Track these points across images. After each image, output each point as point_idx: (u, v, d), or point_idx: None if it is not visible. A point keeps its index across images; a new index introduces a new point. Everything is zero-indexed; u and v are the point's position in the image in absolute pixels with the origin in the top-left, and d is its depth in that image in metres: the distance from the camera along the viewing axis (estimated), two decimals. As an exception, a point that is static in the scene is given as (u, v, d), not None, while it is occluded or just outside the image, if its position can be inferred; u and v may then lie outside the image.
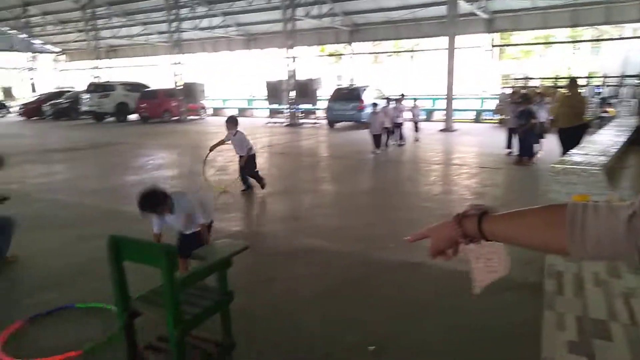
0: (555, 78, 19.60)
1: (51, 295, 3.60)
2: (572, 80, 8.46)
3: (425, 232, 1.04)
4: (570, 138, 7.70)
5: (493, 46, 20.56)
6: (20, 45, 28.39)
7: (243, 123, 7.19)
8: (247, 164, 6.83)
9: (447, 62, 15.13)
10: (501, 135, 11.05)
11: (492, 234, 0.92)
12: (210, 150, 7.03)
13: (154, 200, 3.22)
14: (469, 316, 3.05)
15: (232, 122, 6.91)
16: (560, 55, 30.94)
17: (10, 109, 27.00)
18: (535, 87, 16.67)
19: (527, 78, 19.53)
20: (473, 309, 3.17)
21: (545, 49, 31.77)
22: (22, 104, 25.81)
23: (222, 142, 7.03)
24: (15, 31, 28.60)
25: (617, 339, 1.21)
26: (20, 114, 24.83)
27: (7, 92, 30.01)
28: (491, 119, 17.90)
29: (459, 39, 16.16)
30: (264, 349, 2.83)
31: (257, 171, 6.99)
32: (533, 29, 20.50)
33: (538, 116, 9.19)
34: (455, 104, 16.27)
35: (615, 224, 0.76)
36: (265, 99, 19.75)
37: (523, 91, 13.13)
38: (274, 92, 18.82)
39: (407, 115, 12.47)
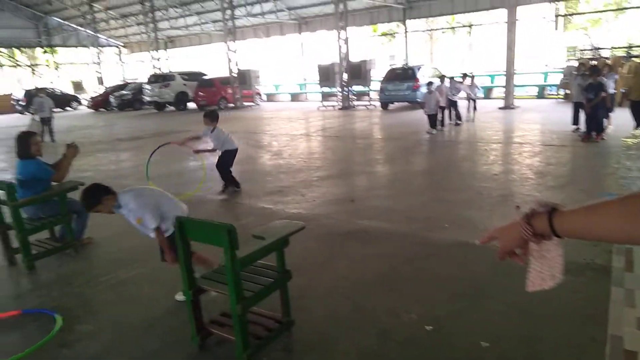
0: (629, 47, 18.12)
1: (124, 272, 3.87)
2: None
3: (493, 234, 1.06)
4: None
5: (557, 16, 19.27)
6: (87, 40, 30.10)
7: (296, 107, 7.23)
8: (222, 161, 6.22)
9: (506, 35, 14.41)
10: (567, 111, 10.44)
11: (565, 230, 0.90)
12: (180, 144, 6.19)
13: (88, 197, 3.11)
14: (529, 297, 2.95)
15: (210, 117, 6.17)
16: (634, 22, 28.52)
17: (81, 102, 28.81)
18: (606, 58, 15.54)
19: (596, 49, 18.23)
20: (533, 293, 3.07)
21: (617, 16, 29.39)
22: (91, 97, 27.46)
23: (195, 138, 6.33)
24: (82, 28, 30.32)
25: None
26: (89, 106, 26.44)
27: (78, 85, 32.00)
28: (556, 94, 16.92)
29: (520, 10, 15.29)
30: (322, 326, 2.90)
31: (230, 170, 6.32)
32: (603, -6, 19.01)
33: (607, 89, 8.58)
34: (516, 80, 15.50)
35: None
36: (318, 83, 19.74)
37: (592, 63, 12.30)
38: (326, 75, 18.76)
39: (464, 93, 12.03)
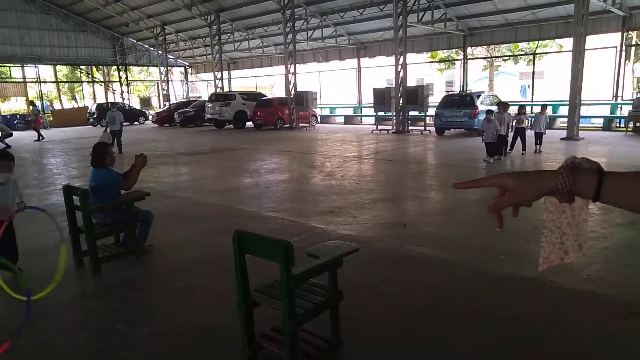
0: None
1: (181, 280, 4.03)
2: None
3: (505, 180, 0.85)
4: None
5: (628, 46, 18.42)
6: (157, 60, 32.06)
7: (350, 130, 7.29)
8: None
9: (571, 64, 13.92)
10: (635, 145, 9.87)
11: (613, 197, 0.78)
12: None
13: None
14: (593, 341, 2.81)
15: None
16: None
17: (148, 117, 30.54)
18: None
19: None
20: (595, 332, 2.91)
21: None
22: (156, 113, 29.06)
23: None
24: (153, 48, 32.38)
25: None
26: (154, 122, 27.97)
27: (146, 101, 34.00)
28: (624, 127, 16.05)
29: (588, 40, 14.76)
30: (370, 350, 2.89)
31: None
32: (681, 24, 18.01)
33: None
34: (582, 111, 14.86)
35: None
36: (372, 106, 19.87)
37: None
38: (381, 99, 18.85)
39: (525, 123, 11.63)
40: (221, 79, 26.96)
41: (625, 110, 16.52)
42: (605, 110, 18.02)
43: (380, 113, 19.59)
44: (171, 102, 30.06)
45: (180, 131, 23.00)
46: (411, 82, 18.69)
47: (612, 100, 18.16)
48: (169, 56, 32.33)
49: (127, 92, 34.76)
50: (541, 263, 0.88)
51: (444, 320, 3.25)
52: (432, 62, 29.74)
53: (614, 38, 17.99)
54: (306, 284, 2.80)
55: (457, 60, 25.16)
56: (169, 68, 32.32)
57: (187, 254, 4.67)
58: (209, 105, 23.49)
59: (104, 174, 4.52)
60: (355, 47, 25.84)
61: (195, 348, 2.98)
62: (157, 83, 35.11)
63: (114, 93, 34.94)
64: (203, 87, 37.07)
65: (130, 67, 35.28)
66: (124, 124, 16.24)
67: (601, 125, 17.12)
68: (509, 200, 0.85)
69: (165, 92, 31.73)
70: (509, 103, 11.98)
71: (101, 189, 4.47)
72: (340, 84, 30.83)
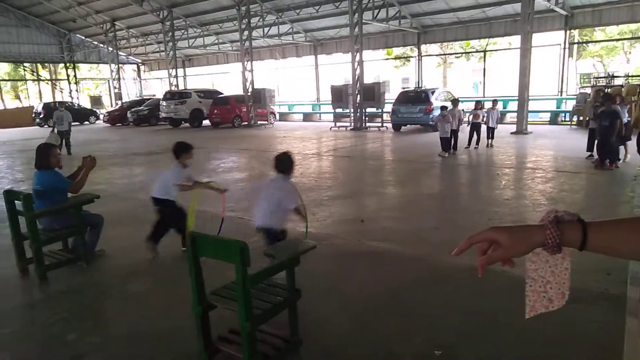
0: (644, 76, 18.07)
1: (135, 285, 3.89)
2: None
3: (496, 235, 0.87)
4: None
5: (571, 43, 19.34)
6: (107, 57, 30.87)
7: (309, 127, 7.29)
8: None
9: (519, 61, 14.48)
10: (579, 138, 10.39)
11: (598, 245, 0.83)
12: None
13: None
14: (543, 327, 2.92)
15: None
16: (649, 50, 28.50)
17: (99, 116, 29.38)
18: (620, 86, 15.51)
19: (610, 77, 18.21)
20: (547, 319, 3.03)
21: (632, 45, 29.40)
22: (108, 112, 28.01)
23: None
24: (103, 45, 31.15)
25: None
26: (106, 121, 26.94)
27: (96, 100, 32.69)
28: (569, 121, 16.88)
29: (534, 37, 15.38)
30: (329, 347, 2.89)
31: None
32: (618, 23, 19.09)
33: (622, 117, 8.54)
34: (530, 106, 15.50)
35: None
36: (331, 104, 19.95)
37: (607, 91, 12.28)
38: (339, 96, 18.96)
39: (480, 118, 11.98)
40: (176, 76, 26.29)
41: (570, 105, 17.36)
42: (552, 105, 18.88)
43: (339, 110, 19.70)
44: (123, 101, 29.05)
45: (134, 130, 22.28)
46: (368, 79, 18.87)
47: (558, 95, 19.05)
48: (120, 53, 31.22)
49: (76, 90, 33.31)
50: (527, 311, 0.92)
51: (402, 314, 3.30)
52: (387, 59, 30.16)
53: (559, 36, 18.85)
54: (264, 283, 2.76)
55: (411, 57, 25.64)
56: (120, 65, 31.19)
57: (142, 258, 4.52)
58: (164, 103, 22.88)
59: (50, 177, 4.29)
60: (312, 44, 25.85)
61: (151, 353, 2.89)
62: (108, 81, 33.81)
63: (61, 92, 33.41)
64: (157, 85, 36.02)
65: (79, 64, 33.81)
66: (73, 124, 15.54)
67: (548, 119, 17.92)
68: (501, 255, 0.88)
69: (117, 90, 30.61)
70: (462, 99, 12.33)
71: (47, 193, 4.24)
72: (298, 81, 30.79)
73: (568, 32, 18.51)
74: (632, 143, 9.15)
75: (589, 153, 9.29)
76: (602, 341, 2.70)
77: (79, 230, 4.32)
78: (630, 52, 30.53)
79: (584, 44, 26.43)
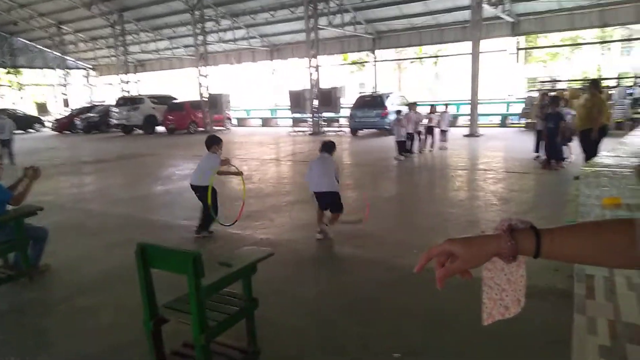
0: (584, 80, 19.11)
1: (83, 300, 3.69)
2: (592, 82, 8.25)
3: (453, 247, 0.87)
4: (587, 141, 7.55)
5: (518, 49, 20.21)
6: (53, 62, 29.51)
7: (266, 132, 7.20)
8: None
9: (471, 66, 14.97)
10: (528, 140, 10.84)
11: (551, 252, 0.84)
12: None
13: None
14: (497, 324, 2.98)
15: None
16: (589, 56, 30.21)
17: (45, 124, 28.02)
18: (563, 89, 16.32)
19: (554, 81, 19.13)
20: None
21: (573, 51, 31.08)
22: (55, 119, 26.75)
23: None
24: (48, 49, 29.76)
25: (652, 345, 1.16)
26: (53, 129, 25.71)
27: (42, 107, 31.14)
28: (517, 123, 17.59)
29: (483, 43, 15.98)
30: (288, 356, 2.83)
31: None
32: (560, 30, 20.10)
33: (566, 119, 8.97)
34: (480, 109, 16.05)
35: None
36: (288, 109, 19.92)
37: (552, 94, 12.87)
38: (297, 101, 18.96)
39: (435, 121, 12.27)
40: (128, 82, 25.48)
41: (518, 108, 18.10)
42: (501, 109, 19.62)
43: (297, 115, 19.68)
44: (72, 108, 27.85)
45: (84, 138, 21.40)
46: (326, 84, 18.96)
47: (507, 99, 19.83)
48: (68, 58, 29.98)
49: (20, 97, 31.63)
50: (485, 319, 0.92)
51: (362, 318, 3.29)
52: (344, 64, 30.47)
53: (506, 42, 19.63)
54: (219, 294, 2.68)
55: (367, 62, 26.00)
56: (68, 70, 29.92)
57: (90, 271, 4.30)
58: (116, 109, 22.12)
59: (-12, 188, 4.01)
60: (269, 49, 25.73)
61: (100, 374, 2.74)
62: (54, 86, 32.32)
63: (2, 98, 31.63)
64: (108, 90, 34.78)
65: (22, 69, 32.13)
66: (16, 132, 14.73)
67: (498, 122, 18.62)
68: (458, 268, 0.88)
69: (64, 96, 29.30)
70: (417, 103, 12.60)
71: (-16, 206, 3.96)
72: (256, 86, 30.55)
73: (515, 38, 19.32)
74: (575, 144, 9.62)
75: (537, 154, 9.70)
76: (551, 336, 2.78)
77: (21, 244, 4.06)
78: (570, 58, 32.28)
79: (529, 50, 27.66)
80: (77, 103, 30.58)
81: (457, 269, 0.88)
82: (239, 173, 5.65)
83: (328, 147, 5.24)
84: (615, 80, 18.20)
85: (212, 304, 2.57)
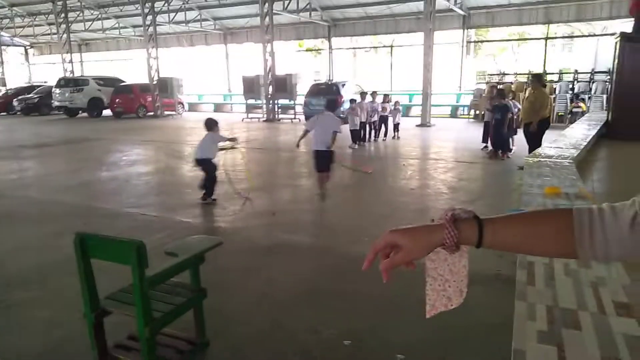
0: (529, 74, 19.94)
1: (18, 294, 3.48)
2: (534, 76, 8.62)
3: (396, 238, 0.86)
4: (530, 133, 7.90)
5: (468, 42, 20.78)
6: (-14, 38, 27.48)
7: (220, 118, 7.03)
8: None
9: (423, 57, 15.24)
10: (476, 130, 11.20)
11: (493, 242, 0.84)
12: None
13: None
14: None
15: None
16: (535, 51, 31.52)
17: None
18: (510, 83, 16.96)
19: (502, 74, 19.84)
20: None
21: (520, 45, 32.32)
22: (-12, 99, 24.95)
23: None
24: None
25: (586, 328, 1.22)
26: (-14, 110, 24.00)
27: (-26, 86, 28.99)
28: (467, 114, 18.15)
29: (436, 35, 16.29)
30: (239, 346, 2.79)
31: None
32: (508, 25, 20.80)
33: (513, 111, 9.34)
34: (432, 100, 16.42)
35: (620, 225, 0.78)
36: (242, 94, 19.56)
37: (500, 87, 13.33)
38: (251, 87, 18.64)
39: (388, 111, 12.42)
40: (71, 61, 24.08)
41: (468, 100, 18.67)
42: (452, 100, 20.17)
43: (251, 101, 19.37)
44: (8, 88, 26.06)
45: (22, 120, 20.12)
46: (281, 71, 18.74)
47: (457, 90, 20.39)
48: (3, 34, 27.95)
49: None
50: (428, 310, 0.91)
51: (312, 305, 3.29)
52: (299, 51, 30.21)
53: (458, 35, 20.12)
54: (166, 284, 2.59)
55: (322, 50, 25.91)
56: (3, 48, 27.93)
57: (27, 263, 4.06)
58: (57, 91, 20.91)
59: None
60: (222, 33, 25.08)
61: (36, 370, 2.59)
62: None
63: None
64: (50, 70, 32.78)
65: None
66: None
67: (449, 113, 19.13)
68: (402, 258, 0.87)
69: (0, 75, 27.39)
70: (377, 92, 12.70)
71: None
72: (209, 71, 29.73)
73: (466, 31, 19.84)
74: (519, 136, 10.04)
75: (484, 144, 10.04)
76: (495, 321, 2.89)
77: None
78: (517, 52, 33.57)
79: (479, 43, 28.51)
80: (15, 83, 28.64)
81: (401, 260, 0.87)
82: (234, 147, 6.89)
83: (333, 105, 6.50)
84: (557, 75, 19.11)
85: (158, 295, 2.49)
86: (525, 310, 1.32)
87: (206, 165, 5.98)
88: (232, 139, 6.39)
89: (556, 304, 1.33)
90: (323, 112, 6.19)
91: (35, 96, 22.73)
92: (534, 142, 7.75)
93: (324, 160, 6.03)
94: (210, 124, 6.19)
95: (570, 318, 1.25)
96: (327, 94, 16.69)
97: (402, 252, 0.86)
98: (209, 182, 6.01)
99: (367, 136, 11.55)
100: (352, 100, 11.19)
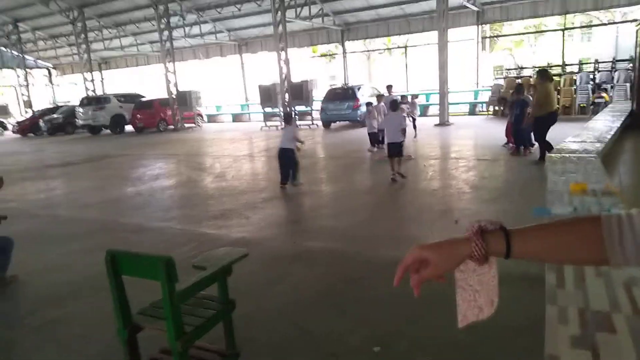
0: (549, 67, 19.59)
1: (53, 311, 3.58)
2: (539, 72, 8.61)
3: (424, 253, 0.87)
4: (537, 127, 7.94)
5: (483, 38, 20.54)
6: (12, 62, 28.36)
7: (238, 128, 7.13)
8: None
9: (438, 56, 15.13)
10: (496, 127, 11.04)
11: (522, 253, 0.85)
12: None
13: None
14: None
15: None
16: (552, 43, 30.98)
17: (7, 127, 26.98)
18: (529, 77, 16.69)
19: (519, 68, 19.55)
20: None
21: (537, 38, 31.79)
22: (17, 121, 25.76)
23: None
24: (5, 49, 28.54)
25: (621, 331, 1.20)
26: (15, 132, 24.78)
27: (3, 109, 29.92)
28: (485, 111, 17.91)
29: (450, 33, 16.16)
30: (268, 355, 2.82)
31: None
32: (523, 18, 20.47)
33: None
34: (450, 98, 16.27)
35: None
36: (259, 104, 19.73)
37: (517, 81, 13.13)
38: (268, 95, 18.80)
39: (405, 112, 12.37)
40: (92, 80, 24.72)
41: (486, 96, 18.43)
42: (470, 97, 19.94)
43: (268, 110, 19.53)
44: (34, 109, 26.87)
45: (48, 140, 20.71)
46: (296, 78, 18.85)
47: (475, 87, 20.16)
48: (28, 57, 28.86)
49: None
50: (460, 320, 0.92)
51: (338, 312, 3.30)
52: (314, 57, 30.35)
53: (472, 31, 19.92)
54: (195, 297, 2.63)
55: (336, 54, 25.98)
56: (28, 70, 28.81)
57: (60, 280, 4.17)
58: (81, 110, 21.47)
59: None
60: (237, 43, 25.39)
61: (74, 386, 2.66)
62: (15, 88, 31.08)
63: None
64: (72, 90, 33.68)
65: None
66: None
67: (467, 110, 18.92)
68: (431, 274, 0.87)
69: (25, 97, 28.25)
70: (390, 86, 12.66)
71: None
72: (225, 81, 30.11)
73: (480, 27, 19.62)
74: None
75: (506, 140, 9.89)
76: (523, 323, 2.85)
77: (-16, 255, 3.90)
78: (535, 45, 33.03)
79: (495, 38, 28.16)
80: (40, 104, 29.52)
81: (430, 275, 0.87)
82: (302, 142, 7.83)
83: (395, 105, 7.76)
84: (577, 65, 18.72)
85: (187, 308, 2.52)
86: (556, 314, 1.30)
87: (288, 153, 7.22)
88: (300, 142, 7.67)
89: (588, 306, 1.30)
90: (393, 113, 7.68)
91: (60, 116, 23.37)
92: (539, 135, 7.86)
93: (400, 147, 7.53)
94: (289, 118, 8.13)
95: (603, 321, 1.22)
96: (343, 99, 16.74)
97: (430, 266, 0.87)
98: (294, 168, 7.30)
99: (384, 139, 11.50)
100: (369, 104, 11.17)
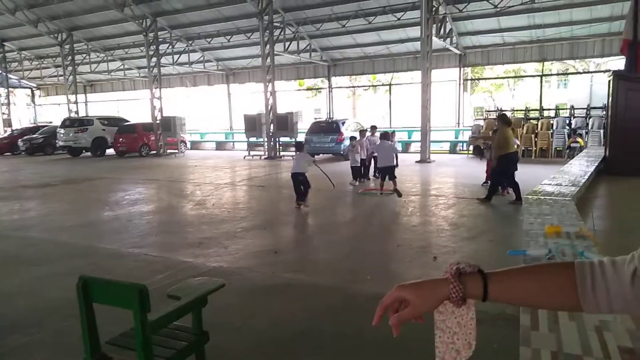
0: (527, 110, 20.26)
1: (16, 339, 3.43)
2: (500, 116, 9.02)
3: (403, 293, 0.88)
4: (499, 167, 8.31)
5: (465, 80, 21.22)
6: (-5, 80, 28.06)
7: (222, 156, 7.13)
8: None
9: (421, 95, 15.52)
10: (476, 166, 11.25)
11: (499, 296, 0.86)
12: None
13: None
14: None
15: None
16: (531, 88, 32.16)
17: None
18: (494, 119, 17.19)
19: (499, 110, 20.16)
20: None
21: (516, 82, 32.99)
22: (-5, 140, 25.25)
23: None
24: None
25: (592, 374, 1.21)
26: (-9, 150, 24.22)
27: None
28: (466, 150, 18.30)
29: (433, 73, 16.66)
30: (240, 391, 2.74)
31: None
32: (503, 63, 21.34)
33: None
34: (431, 136, 16.61)
35: (622, 280, 0.80)
36: (244, 132, 19.82)
37: (497, 123, 13.49)
38: (252, 125, 18.92)
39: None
40: (76, 102, 24.55)
41: (467, 136, 18.88)
42: (451, 136, 20.40)
43: (252, 139, 19.61)
44: (14, 128, 26.44)
45: (26, 160, 20.31)
46: (282, 109, 19.07)
47: (456, 126, 20.66)
48: (11, 76, 28.61)
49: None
50: None
51: (316, 347, 3.24)
52: (300, 90, 30.82)
53: (455, 73, 20.59)
54: (168, 328, 2.56)
55: (322, 89, 26.44)
56: (11, 89, 28.51)
57: (27, 305, 4.02)
58: (62, 131, 21.21)
59: None
60: (224, 73, 25.67)
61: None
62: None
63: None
64: (55, 111, 33.33)
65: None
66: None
67: (448, 149, 19.31)
68: (410, 314, 0.89)
69: (6, 116, 27.84)
70: (374, 127, 12.86)
71: None
72: (211, 109, 30.24)
73: (462, 69, 20.30)
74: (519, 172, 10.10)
75: (485, 178, 10.08)
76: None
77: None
78: (514, 89, 34.25)
79: (476, 80, 29.10)
80: (21, 124, 29.08)
81: (409, 315, 0.88)
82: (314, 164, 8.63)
83: (387, 137, 9.35)
84: (554, 110, 19.41)
85: (159, 339, 2.46)
86: (530, 356, 1.31)
87: (300, 177, 8.04)
88: (314, 160, 8.64)
89: (561, 349, 1.32)
90: (383, 142, 9.27)
91: (40, 136, 23.03)
92: (502, 175, 8.38)
93: (392, 171, 8.90)
94: (300, 145, 8.91)
95: (575, 363, 1.24)
96: (328, 132, 16.95)
97: (410, 307, 0.88)
98: (305, 189, 8.05)
99: (366, 173, 11.62)
100: (352, 138, 11.33)
